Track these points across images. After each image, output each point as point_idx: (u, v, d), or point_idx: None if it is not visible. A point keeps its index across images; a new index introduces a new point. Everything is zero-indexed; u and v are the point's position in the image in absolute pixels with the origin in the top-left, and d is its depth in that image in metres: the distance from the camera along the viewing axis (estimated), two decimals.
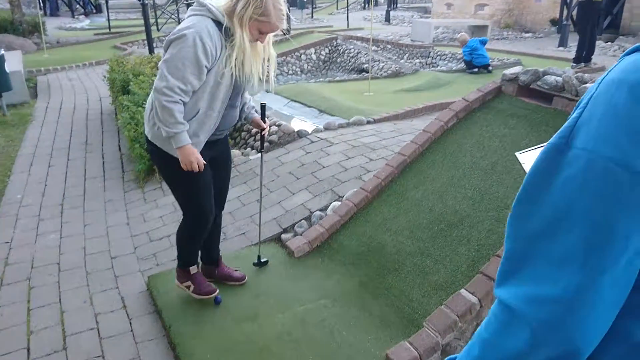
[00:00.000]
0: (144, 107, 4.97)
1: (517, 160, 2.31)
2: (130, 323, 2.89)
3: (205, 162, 2.49)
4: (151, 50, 7.88)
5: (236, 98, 2.60)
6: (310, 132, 5.07)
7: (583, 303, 0.65)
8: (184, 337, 2.67)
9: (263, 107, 2.93)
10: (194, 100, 2.40)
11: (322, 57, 10.68)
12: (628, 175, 0.63)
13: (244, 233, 3.70)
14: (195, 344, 2.63)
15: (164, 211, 4.19)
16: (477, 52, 9.15)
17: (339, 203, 3.74)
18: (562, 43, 12.36)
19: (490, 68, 9.27)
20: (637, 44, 0.72)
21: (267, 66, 2.59)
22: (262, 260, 3.30)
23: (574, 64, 8.92)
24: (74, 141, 6.09)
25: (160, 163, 2.58)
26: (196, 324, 2.77)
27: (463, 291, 2.60)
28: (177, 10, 17.96)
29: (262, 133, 2.94)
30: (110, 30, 15.90)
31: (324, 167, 4.34)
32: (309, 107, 6.71)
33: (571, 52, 11.63)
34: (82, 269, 3.46)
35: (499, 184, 3.19)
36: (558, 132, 0.71)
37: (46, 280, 3.34)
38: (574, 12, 13.19)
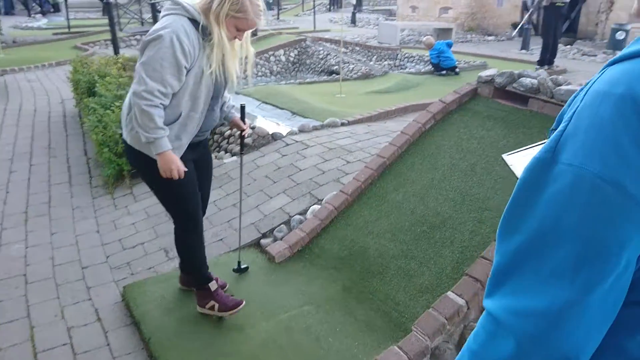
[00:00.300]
0: (112, 110, 4.81)
1: (505, 162, 2.32)
2: (106, 336, 2.75)
3: (188, 167, 2.40)
4: (116, 51, 7.63)
5: (217, 98, 2.52)
6: (285, 134, 5.01)
7: (570, 318, 0.65)
8: (165, 349, 2.56)
9: (243, 107, 2.86)
10: (175, 102, 2.31)
11: (291, 59, 10.62)
12: (615, 191, 0.62)
13: (221, 239, 3.61)
14: (176, 356, 2.53)
15: (136, 218, 4.04)
16: (444, 55, 9.29)
17: (319, 206, 3.69)
18: (524, 46, 12.71)
19: (457, 70, 9.42)
20: (619, 54, 0.71)
21: (245, 64, 2.53)
22: (242, 267, 3.21)
23: (538, 67, 9.17)
24: (36, 145, 5.82)
25: (141, 167, 2.46)
26: (177, 335, 2.66)
27: (450, 293, 2.59)
28: (140, 10, 17.54)
29: (242, 134, 2.86)
30: (69, 29, 15.37)
31: (300, 170, 4.28)
32: (281, 109, 6.64)
33: (533, 54, 11.98)
34: (51, 281, 3.29)
35: (479, 185, 3.21)
36: (543, 146, 0.71)
37: (12, 294, 3.15)
38: (534, 17, 13.62)
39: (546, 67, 9.13)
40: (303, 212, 3.75)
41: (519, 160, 2.25)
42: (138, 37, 13.95)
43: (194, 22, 2.27)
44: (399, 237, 3.17)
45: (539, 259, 0.68)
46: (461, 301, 2.55)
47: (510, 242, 0.72)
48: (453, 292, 2.60)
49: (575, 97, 0.74)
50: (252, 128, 4.93)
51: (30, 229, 4.00)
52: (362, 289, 2.98)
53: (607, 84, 0.67)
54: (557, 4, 8.62)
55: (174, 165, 2.31)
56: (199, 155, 2.61)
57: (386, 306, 2.83)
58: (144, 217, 4.02)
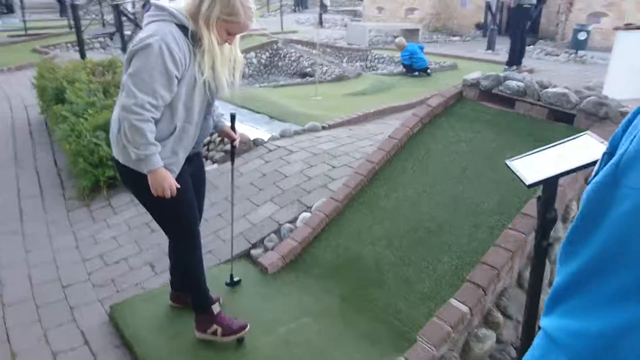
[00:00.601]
0: (85, 118, 4.60)
1: (509, 167, 2.31)
2: None
3: (186, 181, 2.29)
4: (83, 55, 7.33)
5: (209, 107, 2.42)
6: (266, 140, 4.91)
7: (628, 341, 0.64)
8: None
9: (233, 116, 2.76)
10: (169, 115, 2.19)
11: (263, 61, 10.49)
12: None
13: (210, 251, 3.49)
14: None
15: (116, 231, 3.87)
16: (417, 56, 9.36)
17: (309, 214, 3.62)
18: (490, 46, 12.97)
19: (429, 71, 9.51)
20: None
21: (233, 68, 2.42)
22: (235, 280, 3.11)
23: (507, 67, 9.35)
24: (0, 155, 5.52)
25: (138, 187, 2.30)
26: (173, 355, 2.55)
27: (453, 301, 2.57)
28: (101, 11, 16.97)
29: (234, 144, 2.77)
30: (26, 32, 14.73)
31: (286, 177, 4.20)
32: (258, 113, 6.53)
33: (499, 54, 12.23)
34: (30, 302, 3.10)
35: (472, 188, 3.21)
36: (604, 170, 0.70)
37: None
38: (492, 18, 13.90)
39: (514, 67, 9.32)
40: (293, 220, 3.67)
41: (524, 166, 2.25)
42: (101, 39, 13.52)
43: (182, 28, 2.14)
44: (394, 243, 3.13)
45: (601, 281, 0.68)
46: (465, 308, 2.53)
47: (572, 264, 0.72)
48: (456, 299, 2.58)
49: (630, 119, 0.73)
50: None
51: (2, 246, 3.77)
52: (360, 299, 2.93)
53: None
54: (524, 5, 8.81)
55: (167, 183, 2.18)
56: (194, 168, 2.49)
57: (387, 315, 2.79)
58: (126, 230, 3.85)
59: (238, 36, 2.33)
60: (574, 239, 0.73)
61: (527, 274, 2.76)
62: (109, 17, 16.58)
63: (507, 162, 2.26)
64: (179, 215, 2.37)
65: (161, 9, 2.16)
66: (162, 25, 2.11)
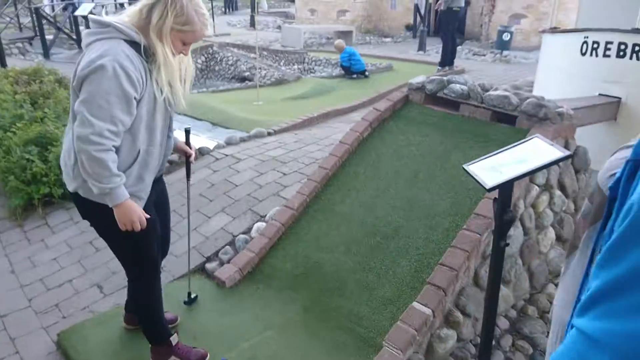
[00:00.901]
0: (14, 132, 4.27)
1: (467, 172, 2.38)
2: None
3: (151, 211, 2.17)
4: (3, 62, 6.81)
5: (171, 124, 2.30)
6: (212, 148, 4.79)
7: None
8: None
9: (187, 131, 2.67)
10: (130, 140, 2.02)
11: (199, 66, 10.20)
12: None
13: (162, 267, 3.34)
14: None
15: (56, 252, 3.62)
16: (355, 58, 9.48)
17: (264, 224, 3.56)
18: (421, 47, 13.39)
19: (366, 73, 9.66)
20: None
21: (184, 79, 2.31)
22: (193, 297, 3.01)
23: (440, 67, 9.69)
24: None
25: (102, 221, 2.13)
26: None
27: (416, 304, 2.62)
28: (17, 14, 15.89)
29: (190, 159, 2.66)
30: None
31: (237, 186, 4.11)
32: (200, 120, 6.35)
33: (430, 55, 12.66)
34: None
35: (425, 191, 3.28)
36: None
37: None
38: (420, 19, 14.40)
39: (447, 68, 9.68)
40: (247, 231, 3.60)
41: (481, 170, 2.33)
42: (19, 44, 12.65)
43: (132, 44, 1.97)
44: (352, 249, 3.15)
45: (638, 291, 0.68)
46: (427, 311, 2.58)
47: (613, 270, 0.72)
48: (418, 302, 2.63)
49: None
50: None
51: None
52: (322, 308, 2.92)
53: None
54: (453, 9, 9.17)
55: (135, 215, 2.03)
56: (159, 191, 2.36)
57: (350, 322, 2.79)
58: (67, 251, 3.61)
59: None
60: (618, 246, 0.74)
61: (482, 272, 2.86)
62: (26, 21, 15.57)
63: (465, 166, 2.33)
64: (147, 245, 2.23)
65: (105, 25, 1.97)
66: (111, 43, 1.93)
